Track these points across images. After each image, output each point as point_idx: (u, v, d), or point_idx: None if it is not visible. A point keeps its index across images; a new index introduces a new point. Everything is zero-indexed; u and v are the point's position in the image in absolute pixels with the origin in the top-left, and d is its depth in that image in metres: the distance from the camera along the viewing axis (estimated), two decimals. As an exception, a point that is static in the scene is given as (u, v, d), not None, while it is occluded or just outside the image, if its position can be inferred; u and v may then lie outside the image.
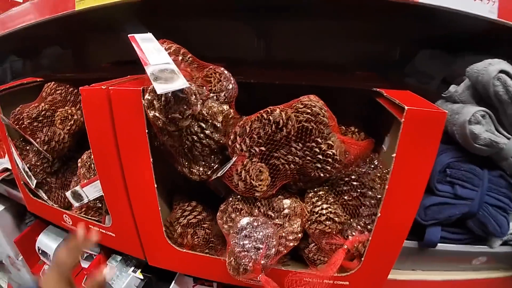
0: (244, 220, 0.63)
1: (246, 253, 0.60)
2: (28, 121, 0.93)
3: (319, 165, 0.63)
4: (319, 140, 0.63)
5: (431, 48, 0.90)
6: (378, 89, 0.70)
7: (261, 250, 0.60)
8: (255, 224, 0.63)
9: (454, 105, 0.73)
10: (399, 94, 0.68)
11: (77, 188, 0.83)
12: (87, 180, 0.84)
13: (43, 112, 0.94)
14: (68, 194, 0.85)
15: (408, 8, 0.67)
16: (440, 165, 0.73)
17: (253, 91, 0.76)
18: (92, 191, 0.83)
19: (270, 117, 0.61)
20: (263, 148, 0.62)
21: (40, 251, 1.27)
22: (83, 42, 1.39)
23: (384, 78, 0.90)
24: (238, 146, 0.63)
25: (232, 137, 0.65)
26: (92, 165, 0.85)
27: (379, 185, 0.70)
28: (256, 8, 0.99)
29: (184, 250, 0.76)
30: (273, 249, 0.62)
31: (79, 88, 0.71)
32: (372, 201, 0.68)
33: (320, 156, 0.63)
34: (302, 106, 0.63)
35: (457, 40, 0.87)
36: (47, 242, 1.24)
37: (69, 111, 0.95)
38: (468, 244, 0.81)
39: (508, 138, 0.71)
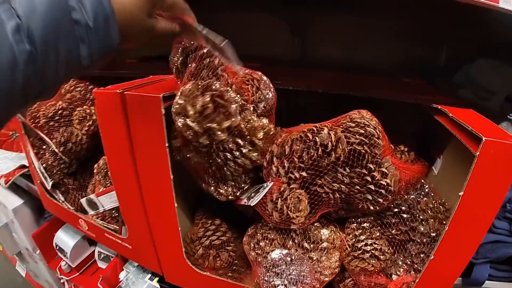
0: (276, 254, 0.56)
1: (277, 295, 0.52)
2: (44, 120, 0.87)
3: (369, 197, 0.54)
4: (371, 166, 0.53)
5: (494, 59, 0.77)
6: (439, 106, 0.60)
7: (294, 293, 0.52)
8: (288, 259, 0.55)
9: None
10: (462, 113, 0.58)
11: (92, 196, 0.78)
12: (103, 188, 0.78)
13: (60, 111, 0.88)
14: (83, 201, 0.80)
15: (474, 10, 0.56)
16: (502, 199, 0.63)
17: (286, 96, 0.67)
18: (107, 201, 0.77)
19: (317, 138, 0.51)
20: (304, 174, 0.53)
21: (57, 247, 1.24)
22: None
23: (434, 88, 0.79)
24: (274, 169, 0.54)
25: (268, 157, 0.56)
26: (109, 172, 0.79)
27: (432, 220, 0.60)
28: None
29: (205, 273, 0.69)
30: (307, 289, 0.54)
31: (93, 90, 0.64)
32: (424, 239, 0.59)
33: (372, 187, 0.53)
34: (353, 125, 0.53)
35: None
36: (64, 239, 1.22)
37: (88, 110, 0.89)
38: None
39: None
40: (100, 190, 0.78)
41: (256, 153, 0.56)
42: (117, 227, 0.84)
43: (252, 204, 0.55)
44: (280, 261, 0.54)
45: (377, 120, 0.57)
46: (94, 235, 0.92)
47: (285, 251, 0.56)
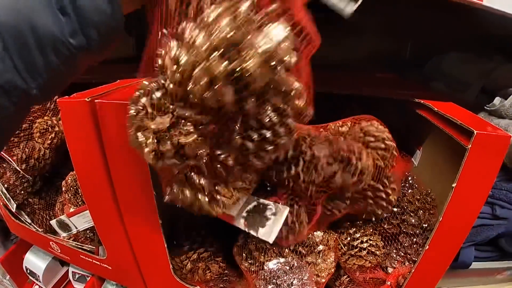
0: (274, 264, 0.53)
1: (279, 307, 0.50)
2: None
3: (379, 212, 0.54)
4: (386, 182, 0.51)
5: (468, 51, 0.79)
6: (422, 101, 0.59)
7: (296, 303, 0.50)
8: (287, 268, 0.53)
9: (500, 121, 0.64)
10: (444, 107, 0.58)
11: (63, 217, 0.71)
12: (74, 207, 0.72)
13: (17, 125, 0.80)
14: (53, 223, 0.73)
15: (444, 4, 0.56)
16: (483, 187, 0.65)
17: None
18: (81, 221, 0.70)
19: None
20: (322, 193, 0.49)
21: (28, 271, 1.14)
22: None
23: (406, 81, 0.79)
24: (298, 187, 0.48)
25: (291, 173, 0.46)
26: (79, 190, 0.73)
27: (421, 211, 0.60)
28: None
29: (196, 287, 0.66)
30: (308, 297, 0.52)
31: (57, 99, 0.58)
32: (416, 231, 0.59)
33: (384, 203, 0.53)
34: (373, 140, 0.50)
35: (500, 43, 0.77)
36: (35, 261, 1.12)
37: (49, 122, 0.81)
38: (496, 261, 0.78)
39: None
40: (71, 210, 0.71)
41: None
42: (93, 248, 0.78)
43: (271, 241, 0.46)
44: (279, 271, 0.52)
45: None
46: (68, 258, 0.85)
47: (282, 260, 0.54)
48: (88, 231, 0.75)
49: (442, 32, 0.84)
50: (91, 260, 0.77)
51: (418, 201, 0.62)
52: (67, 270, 1.15)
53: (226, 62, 0.27)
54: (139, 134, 0.32)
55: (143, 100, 0.32)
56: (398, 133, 0.75)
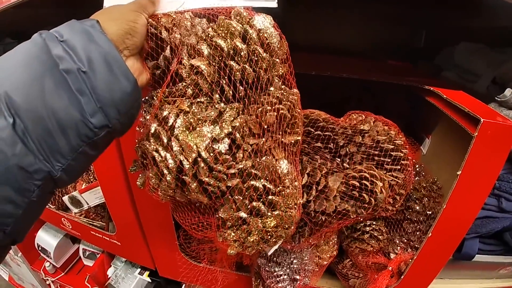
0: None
1: (280, 285, 0.51)
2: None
3: (383, 214, 0.54)
4: (396, 189, 0.53)
5: (480, 42, 0.78)
6: (432, 88, 0.59)
7: (298, 282, 0.51)
8: (288, 247, 0.54)
9: (510, 112, 0.64)
10: (455, 95, 0.58)
11: (75, 193, 0.73)
12: (86, 184, 0.74)
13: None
14: (65, 199, 0.76)
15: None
16: (490, 178, 0.65)
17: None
18: (92, 197, 0.73)
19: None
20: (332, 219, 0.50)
21: (39, 248, 1.19)
22: None
23: (419, 70, 0.79)
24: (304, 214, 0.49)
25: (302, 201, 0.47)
26: (91, 167, 0.75)
27: (426, 198, 0.61)
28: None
29: (202, 265, 0.68)
30: (310, 276, 0.53)
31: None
32: (420, 217, 0.59)
33: (390, 208, 0.54)
34: (389, 160, 0.51)
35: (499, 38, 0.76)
36: (46, 238, 1.16)
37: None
38: (500, 255, 0.77)
39: None
40: (83, 186, 0.74)
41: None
42: (104, 224, 0.81)
43: (269, 253, 0.49)
44: (280, 250, 0.53)
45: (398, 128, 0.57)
46: (79, 234, 0.88)
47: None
48: (99, 208, 0.77)
49: (456, 23, 0.83)
50: (101, 236, 0.80)
51: (424, 189, 0.62)
52: (78, 248, 1.19)
53: None
54: None
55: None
56: (408, 121, 0.76)
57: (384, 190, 0.48)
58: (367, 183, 0.48)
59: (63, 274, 1.20)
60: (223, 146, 0.34)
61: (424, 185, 0.62)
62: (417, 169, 0.67)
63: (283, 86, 0.40)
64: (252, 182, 0.36)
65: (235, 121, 0.35)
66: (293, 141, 0.41)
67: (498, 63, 0.76)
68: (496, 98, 0.68)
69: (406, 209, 0.61)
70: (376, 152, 0.51)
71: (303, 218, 0.49)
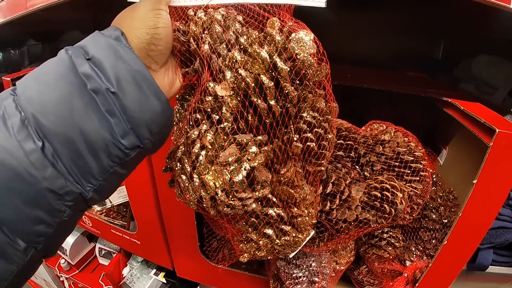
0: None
1: (299, 286, 0.53)
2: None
3: (401, 223, 0.57)
4: (414, 198, 0.55)
5: (497, 55, 0.80)
6: (449, 99, 0.61)
7: (316, 284, 0.53)
8: (307, 250, 0.56)
9: None
10: (471, 106, 0.60)
11: (101, 192, 0.76)
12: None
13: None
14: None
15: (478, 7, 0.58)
16: (507, 187, 0.66)
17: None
18: (116, 196, 0.76)
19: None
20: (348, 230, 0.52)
21: (55, 245, 1.22)
22: (105, 26, 1.27)
23: (437, 81, 0.81)
24: (325, 220, 0.51)
25: (325, 208, 0.50)
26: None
27: (442, 207, 0.62)
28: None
29: (220, 266, 0.70)
30: (327, 279, 0.55)
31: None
32: (436, 226, 0.61)
33: (407, 217, 0.56)
34: (409, 172, 0.54)
35: None
36: (62, 236, 1.19)
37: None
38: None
39: None
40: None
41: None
42: (124, 223, 0.84)
43: (291, 256, 0.50)
44: (300, 253, 0.55)
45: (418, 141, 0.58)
46: (98, 232, 0.91)
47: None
48: (121, 207, 0.80)
49: (474, 35, 0.85)
50: (121, 234, 0.83)
51: (440, 198, 0.64)
52: (94, 246, 1.22)
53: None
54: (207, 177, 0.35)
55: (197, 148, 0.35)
56: (425, 132, 0.78)
57: (404, 201, 0.50)
58: (388, 194, 0.49)
59: (77, 271, 1.23)
60: (241, 178, 0.34)
61: (441, 194, 0.64)
62: (434, 179, 0.68)
63: (319, 106, 0.37)
64: (269, 210, 0.36)
65: (255, 159, 0.34)
66: (317, 171, 0.40)
67: None
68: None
69: (422, 217, 0.62)
70: (397, 164, 0.53)
71: (324, 223, 0.52)
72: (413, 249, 0.62)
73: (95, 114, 0.27)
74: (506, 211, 0.71)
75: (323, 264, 0.55)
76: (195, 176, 0.35)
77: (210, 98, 0.34)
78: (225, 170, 0.34)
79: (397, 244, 0.59)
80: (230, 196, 0.35)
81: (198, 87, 0.37)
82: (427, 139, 0.76)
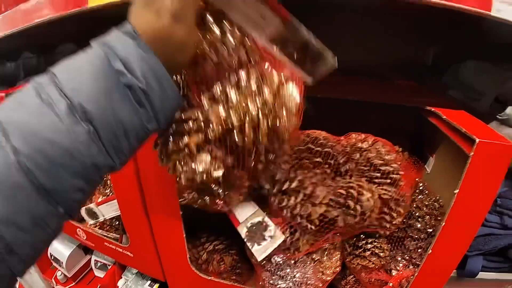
0: (280, 257, 0.57)
1: (283, 297, 0.54)
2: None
3: (381, 232, 0.58)
4: (392, 206, 0.56)
5: (483, 61, 0.81)
6: (432, 109, 0.62)
7: (300, 295, 0.53)
8: (292, 261, 0.56)
9: (511, 130, 0.66)
10: (454, 115, 0.61)
11: (92, 205, 0.77)
12: (103, 197, 0.78)
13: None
14: (82, 211, 0.80)
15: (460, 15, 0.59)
16: (492, 195, 0.66)
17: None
18: (108, 210, 0.77)
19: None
20: (314, 228, 0.54)
21: (52, 257, 1.22)
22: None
23: (425, 89, 0.82)
24: (289, 215, 0.53)
25: (290, 203, 0.53)
26: (108, 181, 0.79)
27: (428, 216, 0.63)
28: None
29: (210, 278, 0.70)
30: (312, 290, 0.55)
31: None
32: (421, 235, 0.61)
33: (388, 225, 0.57)
34: (379, 175, 0.55)
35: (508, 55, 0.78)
36: (59, 248, 1.20)
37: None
38: (505, 272, 0.77)
39: None
40: (100, 199, 0.78)
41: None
42: (117, 236, 0.84)
43: (259, 259, 0.54)
44: (284, 264, 0.56)
45: (392, 147, 0.60)
46: (93, 245, 0.92)
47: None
48: (114, 220, 0.81)
49: (461, 40, 0.86)
50: (114, 247, 0.83)
51: (426, 207, 0.65)
52: (90, 259, 1.23)
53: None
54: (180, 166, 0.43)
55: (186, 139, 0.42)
56: (412, 140, 0.78)
57: (372, 200, 0.51)
58: (354, 192, 0.52)
59: (73, 283, 1.23)
60: None
61: (426, 203, 0.65)
62: (421, 188, 0.69)
63: None
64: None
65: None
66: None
67: (501, 81, 0.78)
68: (497, 116, 0.70)
69: (408, 226, 0.63)
70: (367, 168, 0.56)
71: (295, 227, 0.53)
72: (399, 258, 0.63)
73: (129, 105, 0.34)
74: (493, 217, 0.71)
75: (307, 275, 0.55)
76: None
77: (201, 115, 0.40)
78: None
79: (381, 254, 0.60)
80: None
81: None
82: (416, 148, 0.77)
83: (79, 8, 0.75)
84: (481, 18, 0.58)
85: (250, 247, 0.54)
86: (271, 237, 0.54)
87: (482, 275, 0.75)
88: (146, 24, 0.36)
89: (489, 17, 0.58)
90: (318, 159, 0.56)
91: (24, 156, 0.29)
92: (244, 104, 0.40)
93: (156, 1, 0.36)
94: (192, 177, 0.43)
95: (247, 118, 0.40)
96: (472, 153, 0.50)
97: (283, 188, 0.53)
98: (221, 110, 0.40)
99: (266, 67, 0.41)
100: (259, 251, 0.53)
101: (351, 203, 0.51)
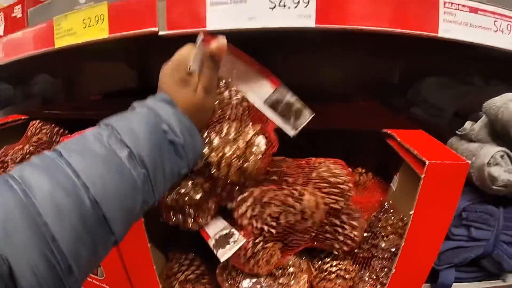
0: (246, 283, 0.58)
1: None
2: (13, 165, 0.87)
3: (337, 245, 0.60)
4: (344, 218, 0.59)
5: (441, 76, 0.83)
6: (389, 131, 0.64)
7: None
8: (258, 287, 0.57)
9: (470, 145, 0.67)
10: (412, 135, 0.63)
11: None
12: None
13: (27, 155, 0.88)
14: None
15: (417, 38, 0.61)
16: (456, 210, 0.67)
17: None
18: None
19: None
20: (274, 231, 0.57)
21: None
22: (71, 73, 1.31)
23: (389, 108, 0.84)
24: (246, 222, 0.58)
25: (242, 209, 0.58)
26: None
27: (392, 235, 0.64)
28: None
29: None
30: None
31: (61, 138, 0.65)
32: (386, 255, 0.62)
33: (341, 237, 0.59)
34: (327, 185, 0.58)
35: (471, 69, 0.81)
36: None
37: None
38: (480, 281, 0.77)
39: (527, 175, 0.65)
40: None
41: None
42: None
43: (221, 259, 0.57)
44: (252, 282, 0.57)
45: (345, 165, 0.62)
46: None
47: (254, 279, 0.58)
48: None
49: (422, 58, 0.89)
50: (91, 280, 0.83)
51: (391, 226, 0.66)
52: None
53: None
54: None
55: None
56: (378, 160, 0.80)
57: (313, 201, 0.55)
58: (296, 192, 0.57)
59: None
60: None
61: (391, 222, 0.66)
62: (386, 207, 0.70)
63: None
64: None
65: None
66: None
67: (460, 96, 0.80)
68: (457, 132, 0.72)
69: (373, 246, 0.64)
70: (316, 181, 0.59)
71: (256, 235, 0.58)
72: (367, 278, 0.64)
73: (173, 156, 0.44)
74: (461, 231, 0.71)
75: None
76: None
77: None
78: None
79: (347, 276, 0.60)
80: None
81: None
82: (382, 167, 0.78)
83: (47, 48, 0.77)
84: (430, 40, 0.60)
85: (215, 252, 0.59)
86: (234, 241, 0.59)
87: (456, 286, 0.75)
88: (186, 99, 0.47)
89: (438, 38, 0.60)
90: (274, 177, 0.60)
91: (93, 190, 0.35)
92: (222, 148, 0.54)
93: (192, 81, 0.48)
94: (176, 198, 0.58)
95: (223, 159, 0.54)
96: (423, 175, 0.51)
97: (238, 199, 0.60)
98: (206, 149, 0.55)
99: (246, 122, 0.57)
100: (222, 253, 0.58)
101: (290, 200, 0.56)
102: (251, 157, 0.53)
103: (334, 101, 0.87)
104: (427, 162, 0.51)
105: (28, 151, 0.89)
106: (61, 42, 0.73)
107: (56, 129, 0.93)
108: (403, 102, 0.89)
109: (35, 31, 0.79)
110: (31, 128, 0.93)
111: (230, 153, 0.53)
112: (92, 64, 1.24)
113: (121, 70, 0.98)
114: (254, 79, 0.54)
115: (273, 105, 0.55)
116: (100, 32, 0.65)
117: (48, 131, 0.92)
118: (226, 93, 0.56)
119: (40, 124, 0.92)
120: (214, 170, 0.55)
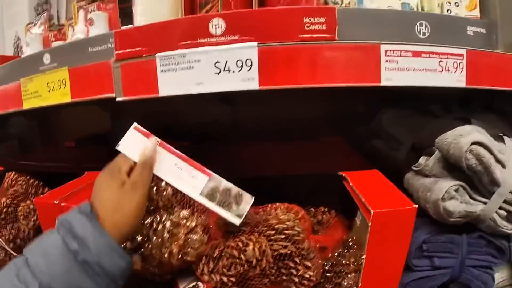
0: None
1: None
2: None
3: (294, 287, 0.61)
4: (297, 260, 0.60)
5: (398, 108, 0.85)
6: (344, 174, 0.67)
7: None
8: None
9: (425, 180, 0.69)
10: (366, 178, 0.65)
11: None
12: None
13: (5, 209, 0.90)
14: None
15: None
16: (416, 243, 0.69)
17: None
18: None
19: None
20: (233, 280, 0.59)
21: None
22: (46, 115, 1.32)
23: (351, 142, 0.87)
24: (207, 278, 0.60)
25: (200, 267, 0.61)
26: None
27: (354, 273, 0.66)
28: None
29: None
30: None
31: (33, 200, 0.68)
32: (348, 293, 0.64)
33: (296, 279, 0.60)
34: (274, 232, 0.60)
35: (424, 103, 0.84)
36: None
37: (31, 206, 0.90)
38: None
39: (485, 203, 0.67)
40: None
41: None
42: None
43: None
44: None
45: (299, 209, 0.65)
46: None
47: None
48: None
49: (383, 96, 0.91)
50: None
51: (353, 264, 0.68)
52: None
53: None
54: None
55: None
56: (344, 196, 0.81)
57: (258, 250, 0.57)
58: (240, 244, 0.58)
59: None
60: None
61: (353, 259, 0.68)
62: (350, 243, 0.72)
63: None
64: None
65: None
66: None
67: (416, 128, 0.81)
68: (412, 167, 0.74)
69: (335, 286, 0.66)
70: (264, 228, 0.61)
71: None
72: (333, 317, 0.65)
73: (87, 277, 0.42)
74: (423, 262, 0.73)
75: None
76: None
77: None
78: None
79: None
80: None
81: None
82: (345, 202, 0.80)
83: (16, 109, 0.80)
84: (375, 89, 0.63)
85: None
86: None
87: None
88: (110, 193, 0.49)
89: (381, 87, 0.63)
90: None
91: None
92: (168, 237, 0.58)
93: (120, 177, 0.50)
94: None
95: (165, 248, 0.57)
96: (370, 223, 0.54)
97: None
98: (154, 238, 0.58)
99: (187, 218, 0.60)
100: None
101: (235, 252, 0.58)
102: (189, 248, 0.58)
103: (297, 139, 0.90)
104: (372, 212, 0.53)
105: (5, 204, 0.90)
106: (28, 104, 0.76)
107: (31, 181, 0.95)
108: (366, 135, 0.91)
109: (5, 91, 0.82)
110: (7, 180, 0.95)
111: (172, 243, 0.57)
112: (67, 107, 1.25)
113: (96, 112, 0.99)
114: (186, 172, 0.57)
115: (210, 194, 0.56)
116: (63, 96, 0.68)
117: (23, 183, 0.94)
118: (162, 184, 0.59)
119: (16, 176, 0.94)
120: (156, 255, 0.58)
